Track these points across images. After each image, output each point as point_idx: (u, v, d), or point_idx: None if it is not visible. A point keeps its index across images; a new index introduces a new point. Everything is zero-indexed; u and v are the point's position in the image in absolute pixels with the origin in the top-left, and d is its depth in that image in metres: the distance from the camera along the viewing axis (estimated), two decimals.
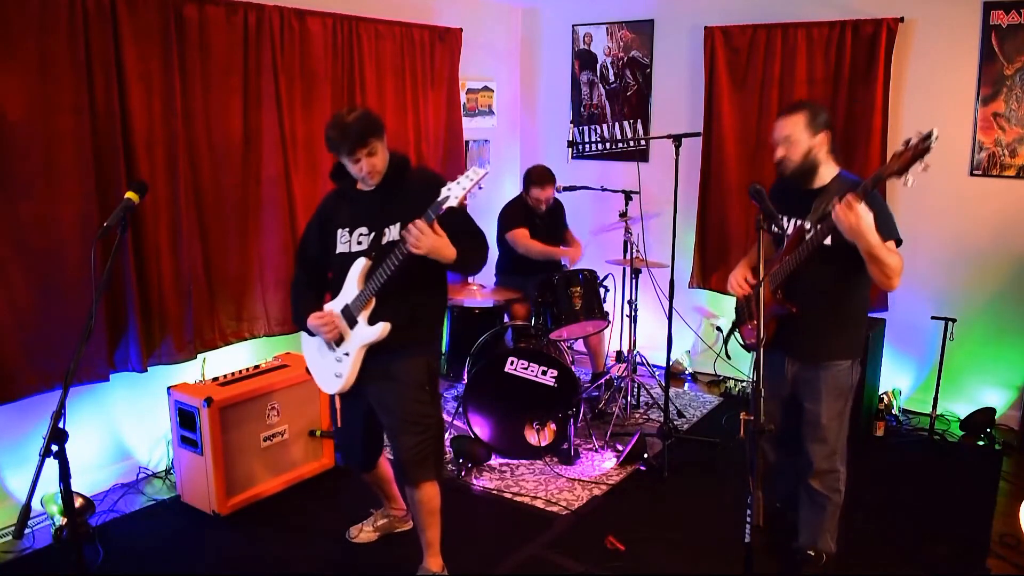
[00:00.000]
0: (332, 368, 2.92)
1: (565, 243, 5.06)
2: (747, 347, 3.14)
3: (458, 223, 2.77)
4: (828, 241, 2.71)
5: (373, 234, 2.81)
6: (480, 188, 2.65)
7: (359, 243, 2.83)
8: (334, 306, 2.90)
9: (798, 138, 2.75)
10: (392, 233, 2.78)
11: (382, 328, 2.77)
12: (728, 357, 3.21)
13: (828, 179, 2.78)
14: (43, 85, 3.27)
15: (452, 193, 2.60)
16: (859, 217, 2.49)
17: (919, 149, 2.38)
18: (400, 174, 2.85)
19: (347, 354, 2.86)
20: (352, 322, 2.84)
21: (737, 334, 3.18)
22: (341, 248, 2.85)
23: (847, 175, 2.80)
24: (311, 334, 2.94)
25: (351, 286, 2.83)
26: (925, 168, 2.39)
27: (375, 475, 3.28)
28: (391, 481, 3.34)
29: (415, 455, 2.87)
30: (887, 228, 2.65)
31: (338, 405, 3.08)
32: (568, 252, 4.84)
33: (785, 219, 2.86)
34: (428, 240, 2.60)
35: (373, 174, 2.77)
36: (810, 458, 2.92)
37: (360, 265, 2.80)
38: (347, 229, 2.85)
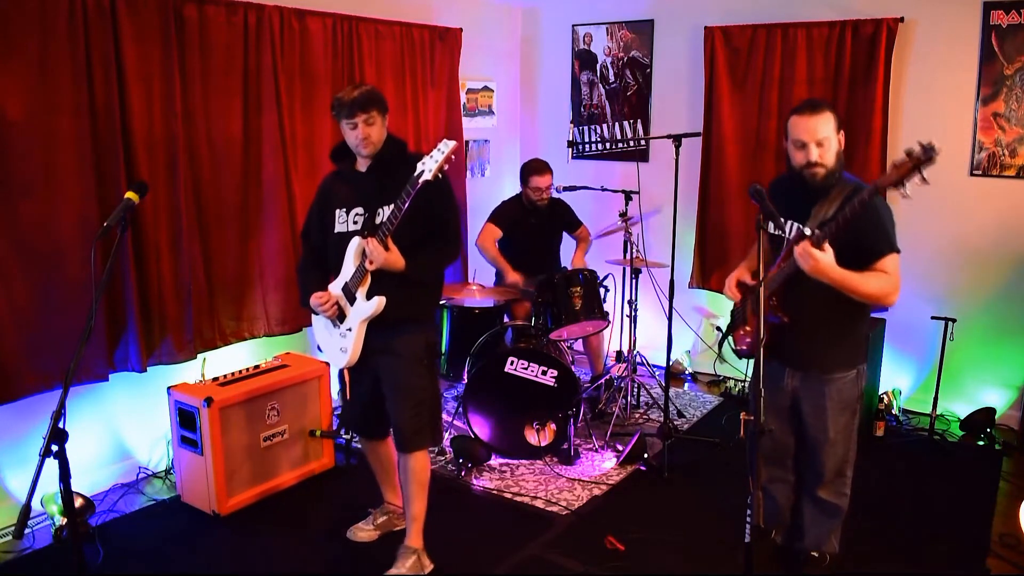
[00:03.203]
0: (338, 344, 3.04)
1: (577, 238, 5.04)
2: (739, 353, 3.02)
3: (436, 210, 2.90)
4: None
5: (367, 215, 2.92)
6: (453, 158, 2.74)
7: (355, 223, 2.95)
8: (335, 286, 3.02)
9: (833, 140, 2.56)
10: (384, 214, 2.88)
11: (378, 301, 2.90)
12: (721, 357, 3.15)
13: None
14: (43, 85, 3.27)
15: (426, 167, 2.71)
16: (816, 260, 2.42)
17: (918, 160, 2.24)
18: (396, 157, 2.95)
19: (349, 329, 2.99)
20: (352, 299, 2.96)
21: (730, 339, 3.07)
22: (339, 228, 2.98)
23: (848, 177, 2.67)
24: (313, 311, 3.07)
25: (349, 265, 2.95)
26: (923, 181, 2.27)
27: (382, 455, 3.36)
28: (395, 467, 3.34)
29: (411, 423, 3.01)
30: (885, 241, 2.56)
31: (347, 379, 3.21)
32: (513, 278, 4.67)
33: (784, 221, 2.73)
34: (380, 257, 2.79)
35: (367, 144, 2.87)
36: (819, 470, 2.86)
37: (355, 244, 2.91)
38: (344, 209, 2.98)
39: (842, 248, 2.49)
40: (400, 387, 3.01)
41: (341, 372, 3.19)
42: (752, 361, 3.07)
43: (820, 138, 2.56)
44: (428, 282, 3.06)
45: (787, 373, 2.84)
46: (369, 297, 2.93)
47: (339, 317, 3.02)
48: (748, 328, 2.95)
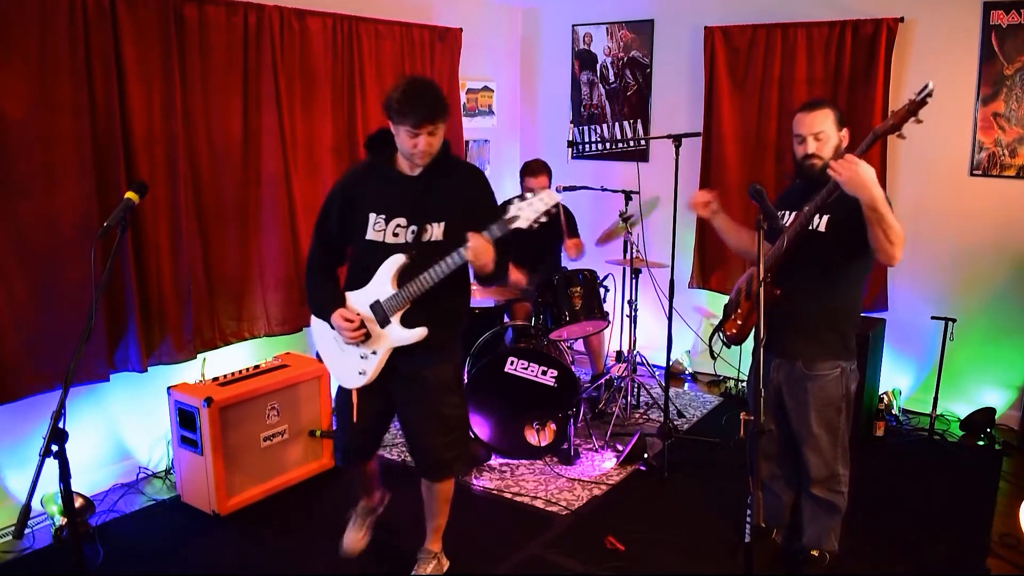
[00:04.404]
0: (355, 364, 2.83)
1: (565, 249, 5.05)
2: (728, 340, 3.06)
3: (491, 208, 2.76)
4: (823, 228, 2.68)
5: (412, 228, 2.68)
6: (553, 212, 2.59)
7: (395, 235, 2.69)
8: (360, 299, 2.76)
9: (830, 134, 2.69)
10: (434, 232, 2.68)
11: (420, 332, 2.71)
12: (714, 357, 3.16)
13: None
14: (43, 85, 3.27)
15: (522, 215, 2.56)
16: (858, 165, 2.42)
17: (915, 103, 2.38)
18: (445, 162, 2.71)
19: (374, 353, 2.78)
20: (384, 321, 2.74)
21: (721, 332, 3.11)
22: (373, 235, 2.71)
23: None
24: (332, 327, 2.81)
25: (384, 282, 2.70)
26: (918, 121, 2.41)
27: (367, 470, 3.21)
28: (376, 474, 3.28)
29: (445, 454, 2.90)
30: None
31: (355, 400, 2.88)
32: (515, 277, 4.49)
33: (787, 213, 2.81)
34: (487, 256, 2.59)
35: (427, 155, 2.62)
36: (807, 467, 2.90)
37: (398, 262, 2.68)
38: (382, 216, 2.69)
39: (842, 225, 2.61)
40: (431, 417, 2.84)
41: (349, 392, 2.93)
42: (750, 360, 3.09)
43: (816, 132, 2.70)
44: (496, 283, 2.92)
45: (773, 367, 2.88)
46: (407, 324, 2.72)
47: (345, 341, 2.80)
48: (740, 311, 2.98)
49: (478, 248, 2.57)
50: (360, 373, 2.82)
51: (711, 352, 3.13)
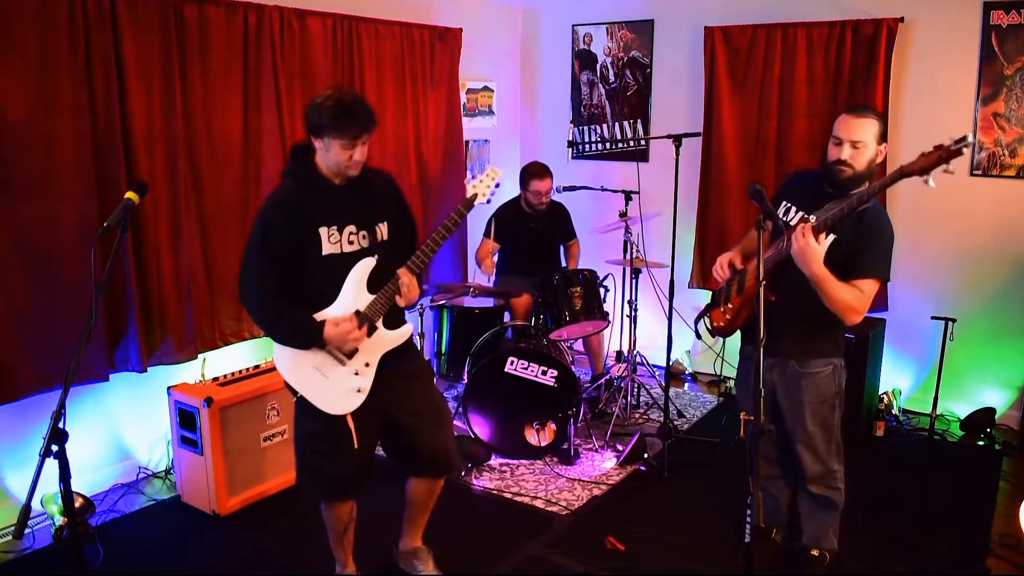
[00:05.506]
0: (347, 384, 2.67)
1: (567, 251, 5.08)
2: (714, 331, 3.04)
3: (407, 210, 2.88)
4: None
5: (364, 233, 2.66)
6: (498, 186, 2.81)
7: (351, 242, 2.64)
8: (337, 314, 2.63)
9: (869, 144, 2.62)
10: (383, 232, 2.70)
11: (408, 328, 2.74)
12: (699, 337, 3.14)
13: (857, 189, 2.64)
14: (43, 85, 3.27)
15: (478, 191, 2.75)
16: (807, 245, 2.50)
17: (949, 151, 2.32)
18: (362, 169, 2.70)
19: (367, 364, 2.68)
20: (371, 329, 2.64)
21: (707, 318, 3.07)
22: (330, 249, 2.61)
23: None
24: (321, 347, 2.62)
25: (358, 290, 2.63)
26: (946, 170, 2.36)
27: (350, 511, 2.96)
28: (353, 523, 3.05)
29: (452, 445, 2.93)
30: (875, 263, 2.61)
31: (351, 424, 2.68)
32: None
33: (792, 209, 2.79)
34: (416, 291, 2.64)
35: (359, 165, 2.60)
36: (803, 465, 2.90)
37: (368, 266, 2.63)
38: (334, 227, 2.61)
39: (832, 252, 2.57)
40: (434, 412, 2.84)
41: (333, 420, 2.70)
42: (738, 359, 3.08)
43: (855, 139, 2.62)
44: None
45: (766, 367, 2.83)
46: (390, 325, 2.68)
47: (347, 351, 2.67)
48: (730, 306, 2.96)
49: (410, 286, 2.60)
50: (357, 391, 2.68)
51: (697, 334, 3.12)
